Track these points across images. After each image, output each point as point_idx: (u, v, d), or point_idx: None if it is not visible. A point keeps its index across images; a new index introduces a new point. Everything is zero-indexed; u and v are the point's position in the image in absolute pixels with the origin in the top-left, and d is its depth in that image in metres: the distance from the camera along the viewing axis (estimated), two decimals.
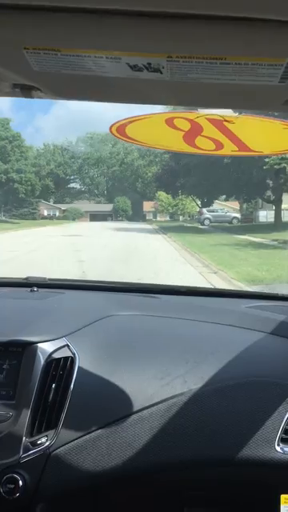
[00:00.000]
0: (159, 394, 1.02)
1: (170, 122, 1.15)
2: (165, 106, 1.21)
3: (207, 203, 31.78)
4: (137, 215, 47.98)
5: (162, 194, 38.09)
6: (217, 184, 23.82)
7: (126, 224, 33.59)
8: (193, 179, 24.97)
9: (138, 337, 1.20)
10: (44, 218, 43.19)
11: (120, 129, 1.21)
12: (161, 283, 2.69)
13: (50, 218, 44.66)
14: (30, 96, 0.59)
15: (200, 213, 31.15)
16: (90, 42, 0.46)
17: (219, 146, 1.12)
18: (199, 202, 34.83)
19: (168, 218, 44.41)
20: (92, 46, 0.47)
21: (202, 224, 27.98)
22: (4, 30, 0.45)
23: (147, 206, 47.06)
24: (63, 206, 47.85)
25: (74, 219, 44.03)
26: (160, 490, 1.07)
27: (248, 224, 25.66)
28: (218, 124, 1.14)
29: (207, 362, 1.08)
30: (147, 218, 46.34)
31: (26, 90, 0.58)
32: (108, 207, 49.72)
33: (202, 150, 1.12)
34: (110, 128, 1.22)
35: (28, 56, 0.48)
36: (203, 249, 11.52)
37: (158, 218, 45.32)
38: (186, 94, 0.60)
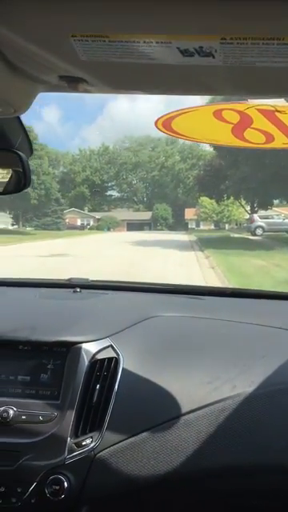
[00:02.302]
0: (207, 398, 1.05)
1: (218, 115, 1.20)
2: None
3: (260, 208, 29.35)
4: (178, 224, 47.93)
5: (205, 200, 37.60)
6: (270, 184, 21.09)
7: (157, 235, 31.95)
8: (241, 179, 22.89)
9: (184, 338, 1.24)
10: (71, 227, 42.62)
11: (166, 123, 1.27)
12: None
13: (81, 227, 44.48)
14: (76, 89, 0.63)
15: (251, 220, 27.68)
16: (138, 25, 0.47)
17: (270, 138, 1.15)
18: (248, 208, 33.96)
19: (212, 227, 44.02)
20: (141, 30, 0.48)
21: (254, 234, 24.46)
22: (51, 18, 0.47)
23: (189, 213, 46.85)
24: (98, 215, 48.25)
25: (108, 229, 43.88)
26: (205, 497, 1.10)
27: None
28: (270, 115, 1.17)
29: (257, 365, 1.11)
30: (189, 226, 46.11)
31: (72, 83, 0.62)
32: (147, 215, 49.99)
33: (252, 143, 1.16)
34: (156, 122, 1.29)
35: (75, 44, 0.50)
36: (264, 284, 7.30)
37: (202, 227, 44.96)
38: (240, 81, 0.60)
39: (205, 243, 18.54)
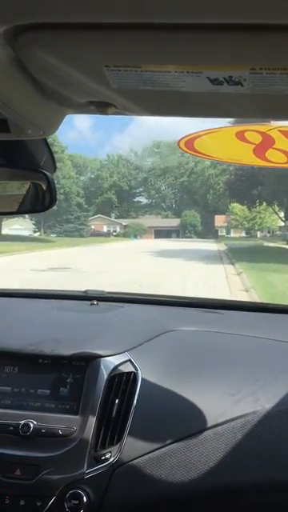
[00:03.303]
0: (228, 413, 1.06)
1: (240, 135, 1.26)
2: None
3: None
4: (208, 231, 47.61)
5: (236, 207, 37.07)
6: None
7: (184, 243, 30.55)
8: (275, 184, 22.18)
9: (202, 353, 1.26)
10: (96, 234, 41.86)
11: (188, 143, 1.34)
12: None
13: (107, 234, 43.68)
14: (105, 113, 0.66)
15: (287, 227, 27.28)
16: (170, 57, 0.49)
17: None
18: (282, 215, 33.17)
19: (243, 234, 43.45)
20: (173, 62, 0.50)
21: None
22: (86, 49, 0.49)
23: (219, 220, 46.48)
24: (125, 222, 48.09)
25: (135, 236, 43.50)
26: None
27: None
28: None
29: (279, 380, 1.12)
30: (219, 234, 45.70)
31: (101, 107, 0.65)
32: (175, 222, 49.88)
33: (273, 162, 1.21)
34: (178, 142, 1.36)
35: (108, 73, 0.52)
36: None
37: (232, 234, 44.52)
38: (266, 107, 0.64)
39: (236, 254, 17.09)
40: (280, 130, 1.21)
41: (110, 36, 0.47)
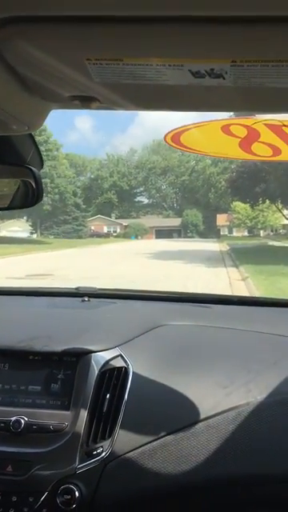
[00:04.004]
0: (220, 405, 1.08)
1: (226, 129, 1.28)
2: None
3: None
4: (209, 230, 47.57)
5: (238, 205, 36.96)
6: None
7: (185, 243, 29.60)
8: (279, 179, 21.20)
9: (194, 347, 1.28)
10: (95, 235, 41.52)
11: (175, 137, 1.37)
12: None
13: (106, 235, 43.18)
14: (89, 107, 0.68)
15: None
16: (152, 50, 0.50)
17: (277, 151, 1.23)
18: (286, 212, 32.78)
19: (246, 233, 43.39)
20: (154, 55, 0.50)
21: None
22: (66, 43, 0.49)
23: (221, 219, 46.44)
24: (125, 222, 47.92)
25: (136, 236, 43.27)
26: (215, 506, 1.14)
27: None
28: (277, 129, 1.24)
29: (270, 371, 1.15)
30: (221, 233, 45.66)
31: (85, 102, 0.67)
32: (176, 222, 49.84)
33: (259, 156, 1.23)
34: (165, 137, 1.39)
35: (90, 67, 0.53)
36: None
37: (235, 233, 44.48)
38: (248, 100, 0.66)
39: (239, 255, 15.75)
40: (265, 124, 1.23)
41: (91, 29, 0.47)
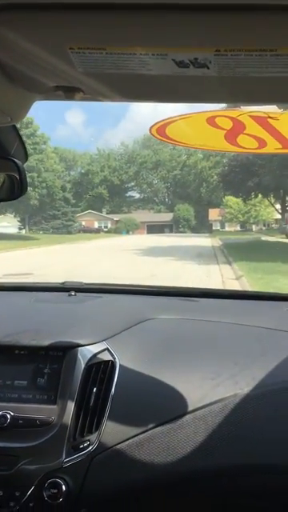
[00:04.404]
0: (207, 397, 1.10)
1: (211, 121, 1.29)
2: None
3: None
4: (201, 225, 47.65)
5: (230, 200, 37.10)
6: None
7: (176, 238, 29.07)
8: (272, 173, 20.97)
9: (181, 340, 1.30)
10: (86, 230, 40.97)
11: (160, 130, 1.37)
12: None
13: (97, 231, 42.89)
14: (72, 98, 0.68)
15: (286, 220, 25.13)
16: (135, 38, 0.50)
17: (262, 143, 1.24)
18: (279, 206, 31.56)
19: (238, 228, 43.56)
20: (138, 43, 0.50)
21: None
22: (48, 31, 0.49)
23: (213, 214, 46.55)
24: (116, 217, 47.77)
25: (127, 231, 43.13)
26: (203, 496, 1.16)
27: None
28: (262, 121, 1.25)
29: (257, 364, 1.17)
30: (214, 227, 45.78)
31: (68, 92, 0.67)
32: (168, 216, 49.83)
33: (244, 148, 1.24)
34: (150, 129, 1.39)
35: (73, 56, 0.53)
36: None
37: (227, 228, 44.61)
38: (233, 90, 0.66)
39: (232, 251, 15.13)
40: (250, 116, 1.24)
41: (74, 17, 0.47)
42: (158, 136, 1.32)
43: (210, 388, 1.10)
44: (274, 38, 0.48)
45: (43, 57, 0.54)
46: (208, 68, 0.53)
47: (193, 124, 1.30)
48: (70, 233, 36.60)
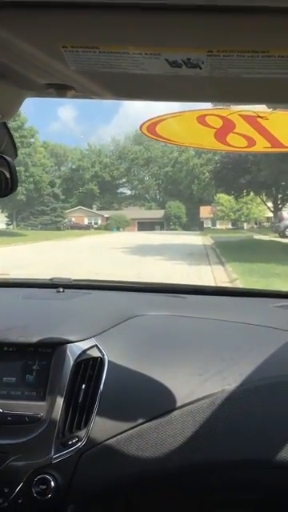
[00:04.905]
0: (196, 392, 1.11)
1: (201, 120, 1.31)
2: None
3: (284, 203, 26.64)
4: (193, 223, 47.76)
5: (222, 197, 37.14)
6: None
7: (166, 236, 28.65)
8: (263, 171, 20.94)
9: (169, 336, 1.32)
10: (76, 227, 40.70)
11: (151, 127, 1.39)
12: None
13: (87, 227, 42.50)
14: (64, 96, 0.69)
15: (279, 218, 23.66)
16: (129, 38, 0.50)
17: (251, 142, 1.26)
18: (270, 204, 31.34)
19: (230, 226, 43.72)
20: (131, 43, 0.51)
21: (283, 235, 21.30)
22: (42, 29, 0.50)
23: (204, 211, 46.65)
24: (107, 213, 47.58)
25: (118, 228, 42.92)
26: (190, 492, 1.19)
27: None
28: (251, 120, 1.27)
29: (244, 360, 1.18)
30: (205, 225, 45.90)
31: (60, 90, 0.68)
32: (159, 214, 49.85)
33: (234, 147, 1.26)
34: (141, 127, 1.41)
35: (66, 55, 0.53)
36: None
37: (218, 226, 44.78)
38: (225, 90, 0.67)
39: (225, 250, 14.47)
40: (240, 115, 1.26)
41: (67, 15, 0.47)
42: (149, 134, 1.34)
43: (198, 384, 1.12)
44: (266, 40, 0.49)
45: (36, 55, 0.55)
46: (200, 68, 0.54)
47: (183, 122, 1.32)
48: (58, 229, 36.31)
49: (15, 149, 1.28)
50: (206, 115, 1.27)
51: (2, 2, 0.46)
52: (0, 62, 0.58)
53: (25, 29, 0.50)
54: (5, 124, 1.17)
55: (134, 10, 0.46)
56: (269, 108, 1.25)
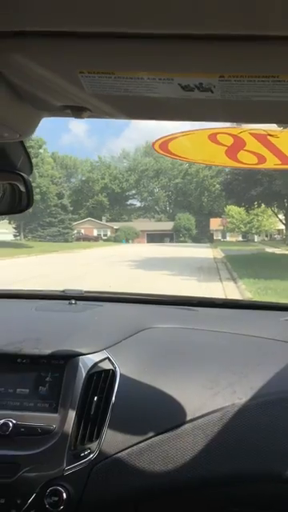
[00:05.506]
0: (206, 406, 1.13)
1: (213, 138, 1.35)
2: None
3: None
4: (202, 235, 47.58)
5: (232, 209, 36.98)
6: None
7: (175, 248, 28.70)
8: (274, 183, 21.06)
9: (180, 349, 1.33)
10: (84, 238, 41.18)
11: (163, 145, 1.43)
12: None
13: (95, 239, 42.73)
14: (79, 116, 0.72)
15: None
16: (143, 65, 0.53)
17: (262, 159, 1.30)
18: (282, 217, 31.24)
19: (240, 238, 43.53)
20: (145, 69, 0.53)
21: None
22: (61, 56, 0.53)
23: (214, 223, 46.50)
24: (116, 225, 47.63)
25: (127, 240, 43.01)
26: (202, 505, 1.19)
27: None
28: (262, 138, 1.31)
29: (255, 373, 1.20)
30: (215, 237, 45.73)
31: (76, 111, 0.71)
32: (169, 225, 49.73)
33: (244, 163, 1.31)
34: (153, 144, 1.45)
35: (82, 80, 0.56)
36: None
37: (228, 238, 44.60)
38: (236, 111, 0.70)
39: (236, 264, 13.59)
40: (250, 133, 1.30)
41: (85, 44, 0.50)
42: (161, 151, 1.38)
43: (209, 397, 1.13)
44: (275, 66, 0.52)
45: (54, 80, 0.58)
46: (212, 92, 0.57)
47: (195, 140, 1.37)
48: (66, 241, 36.38)
49: (31, 165, 1.33)
50: (217, 133, 1.31)
51: (21, 32, 0.47)
52: (19, 85, 0.62)
53: (44, 56, 0.53)
54: (22, 143, 1.23)
55: (148, 39, 0.47)
56: (279, 127, 1.29)
